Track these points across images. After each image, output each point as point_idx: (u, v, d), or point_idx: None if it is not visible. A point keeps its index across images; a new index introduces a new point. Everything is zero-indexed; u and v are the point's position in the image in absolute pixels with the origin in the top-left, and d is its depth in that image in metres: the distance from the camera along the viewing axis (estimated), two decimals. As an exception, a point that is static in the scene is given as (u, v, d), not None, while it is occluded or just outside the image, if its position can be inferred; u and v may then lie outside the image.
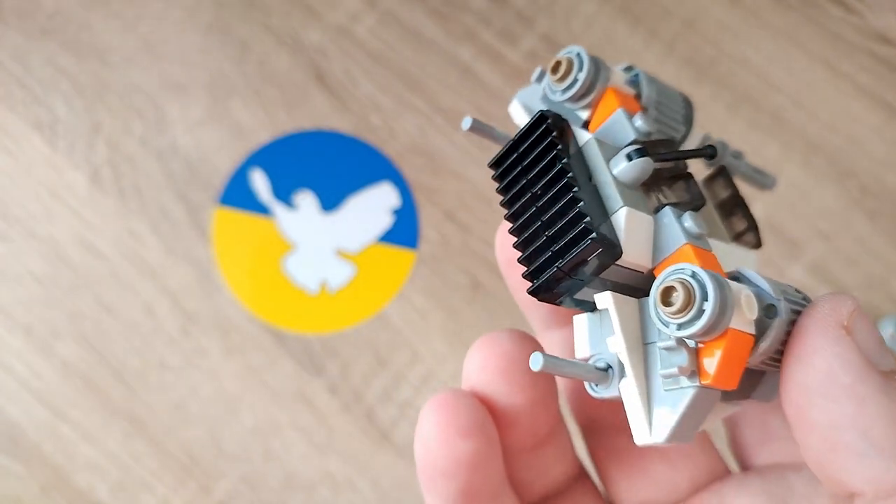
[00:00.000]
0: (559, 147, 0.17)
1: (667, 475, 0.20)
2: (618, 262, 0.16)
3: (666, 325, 0.15)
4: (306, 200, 0.50)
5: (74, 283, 0.48)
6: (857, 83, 0.50)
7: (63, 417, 0.47)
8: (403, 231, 0.49)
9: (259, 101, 0.50)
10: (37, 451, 0.46)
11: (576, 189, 0.16)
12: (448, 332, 0.47)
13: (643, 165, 0.17)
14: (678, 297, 0.15)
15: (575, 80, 0.18)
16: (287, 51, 0.51)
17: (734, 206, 0.21)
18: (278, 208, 0.49)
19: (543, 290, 0.17)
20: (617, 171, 0.17)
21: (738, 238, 0.21)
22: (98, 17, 0.52)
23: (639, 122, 0.17)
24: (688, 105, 0.20)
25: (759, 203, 0.48)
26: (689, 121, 0.20)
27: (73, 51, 0.51)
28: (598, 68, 0.18)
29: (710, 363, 0.15)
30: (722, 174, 0.21)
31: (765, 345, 0.15)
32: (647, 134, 0.18)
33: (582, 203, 0.16)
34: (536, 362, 0.16)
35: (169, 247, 0.48)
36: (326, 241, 0.49)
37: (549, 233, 0.17)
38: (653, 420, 0.16)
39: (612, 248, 0.16)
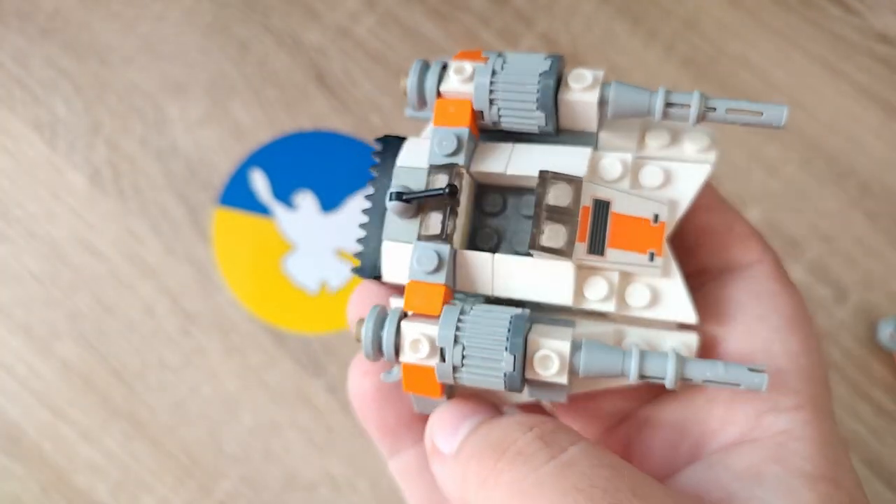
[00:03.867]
0: (375, 173, 0.22)
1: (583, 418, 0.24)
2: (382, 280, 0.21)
3: None
4: (306, 200, 0.50)
5: (74, 283, 0.48)
6: (856, 83, 0.50)
7: (63, 417, 0.47)
8: (403, 231, 0.49)
9: (259, 101, 0.50)
10: (37, 451, 0.46)
11: (367, 218, 0.21)
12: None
13: (397, 208, 0.20)
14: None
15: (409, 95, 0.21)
16: (287, 51, 0.51)
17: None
18: (278, 208, 0.49)
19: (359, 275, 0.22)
20: (388, 204, 0.20)
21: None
22: (98, 17, 0.52)
23: (437, 147, 0.20)
24: (545, 86, 0.20)
25: (759, 203, 0.48)
26: (545, 103, 0.20)
27: (73, 51, 0.51)
28: (423, 75, 0.21)
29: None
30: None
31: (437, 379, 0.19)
32: (451, 154, 0.20)
33: (364, 234, 0.21)
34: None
35: (169, 247, 0.48)
36: (326, 241, 0.49)
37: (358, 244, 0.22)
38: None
39: (371, 272, 0.21)
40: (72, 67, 0.51)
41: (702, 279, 0.22)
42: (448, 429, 0.20)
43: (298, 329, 0.48)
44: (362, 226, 0.22)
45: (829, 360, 0.46)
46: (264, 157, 0.50)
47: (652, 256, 0.20)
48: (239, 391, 0.47)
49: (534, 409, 0.25)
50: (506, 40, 0.51)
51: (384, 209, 0.21)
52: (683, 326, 0.21)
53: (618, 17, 0.51)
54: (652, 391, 0.23)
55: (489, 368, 0.19)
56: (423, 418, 0.23)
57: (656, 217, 0.20)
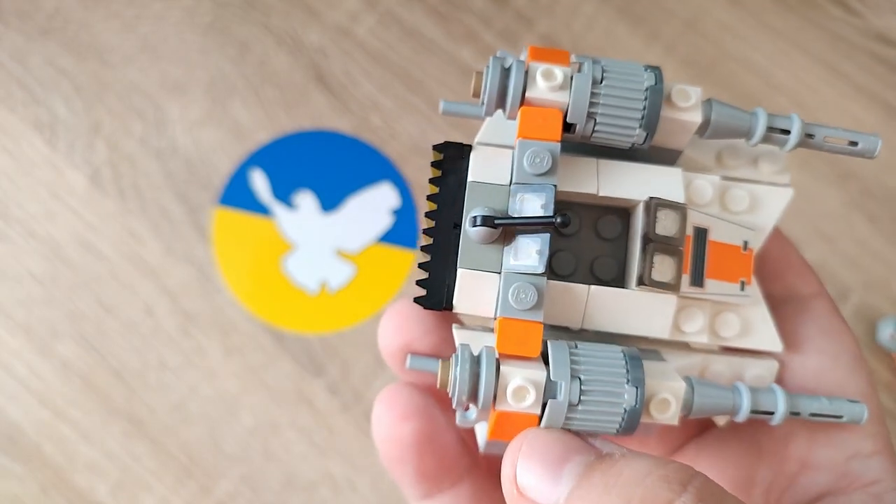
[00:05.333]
0: (438, 189, 0.19)
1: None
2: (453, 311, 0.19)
3: None
4: (306, 200, 0.50)
5: (74, 283, 0.48)
6: (857, 84, 0.49)
7: (63, 417, 0.47)
8: (403, 231, 0.49)
9: (259, 101, 0.50)
10: (37, 451, 0.46)
11: (432, 240, 0.19)
12: (448, 332, 0.47)
13: (482, 234, 0.18)
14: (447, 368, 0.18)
15: (483, 97, 0.19)
16: (287, 51, 0.51)
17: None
18: (278, 208, 0.49)
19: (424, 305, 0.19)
20: (468, 229, 0.18)
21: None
22: (98, 17, 0.51)
23: (527, 163, 0.18)
24: (654, 103, 0.18)
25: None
26: (650, 122, 0.18)
27: (73, 51, 0.51)
28: (504, 79, 0.18)
29: (491, 425, 0.18)
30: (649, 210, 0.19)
31: (544, 423, 0.17)
32: (544, 174, 0.18)
33: (430, 259, 0.19)
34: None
35: (169, 247, 0.48)
36: (326, 241, 0.49)
37: (422, 268, 0.19)
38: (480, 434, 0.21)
39: (440, 303, 0.19)
40: (72, 67, 0.51)
41: None
42: (545, 472, 0.16)
43: (298, 329, 0.48)
44: (425, 248, 0.19)
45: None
46: (264, 157, 0.50)
47: (742, 285, 0.19)
48: (239, 391, 0.47)
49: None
50: (506, 40, 0.51)
51: (451, 230, 0.19)
52: (753, 351, 0.20)
53: (619, 18, 0.51)
54: (699, 421, 0.22)
55: (609, 405, 0.17)
56: (464, 458, 0.21)
57: (746, 244, 0.20)
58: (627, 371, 0.17)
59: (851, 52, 0.50)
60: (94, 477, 0.46)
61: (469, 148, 0.19)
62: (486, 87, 0.18)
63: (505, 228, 0.18)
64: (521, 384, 0.17)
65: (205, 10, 0.51)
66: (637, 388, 0.17)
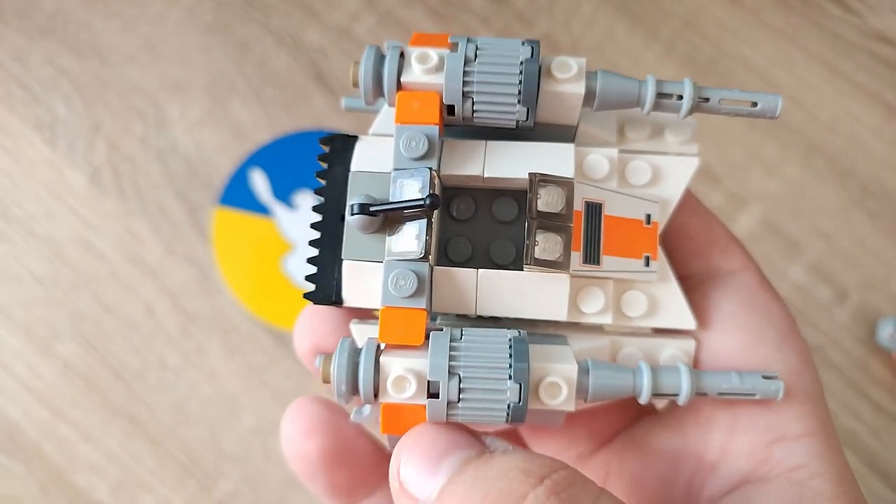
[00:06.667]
0: (322, 180, 0.19)
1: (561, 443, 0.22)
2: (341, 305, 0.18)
3: None
4: (306, 200, 0.50)
5: (74, 283, 0.48)
6: (856, 83, 0.50)
7: (63, 417, 0.47)
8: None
9: (259, 101, 0.50)
10: (37, 451, 0.46)
11: (319, 233, 0.18)
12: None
13: (361, 222, 0.17)
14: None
15: (360, 87, 0.18)
16: (287, 51, 0.51)
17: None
18: (278, 208, 0.49)
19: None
20: (348, 219, 0.18)
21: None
22: (98, 17, 0.52)
23: (403, 147, 0.17)
24: (530, 76, 0.17)
25: (759, 203, 0.48)
26: (529, 96, 0.17)
27: (73, 51, 0.51)
28: (379, 66, 0.18)
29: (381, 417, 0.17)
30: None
31: (427, 419, 0.17)
32: (421, 157, 0.17)
33: (318, 253, 0.18)
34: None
35: (169, 247, 0.48)
36: (326, 241, 0.49)
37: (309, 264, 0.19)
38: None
39: (329, 297, 0.18)
40: (72, 67, 0.51)
41: (683, 285, 0.20)
42: (423, 467, 0.16)
43: (298, 329, 0.48)
44: (313, 243, 0.19)
45: (829, 360, 0.46)
46: (264, 157, 0.50)
47: (647, 261, 0.18)
48: (239, 391, 0.47)
49: (510, 433, 0.22)
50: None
51: (339, 222, 0.18)
52: (670, 331, 0.20)
53: (618, 18, 0.51)
54: (633, 409, 0.21)
55: (491, 402, 0.16)
56: (381, 464, 0.20)
57: (648, 218, 0.19)
58: (511, 362, 0.16)
59: (850, 52, 0.50)
60: (94, 477, 0.46)
61: (355, 139, 0.19)
62: (361, 76, 0.18)
63: (388, 216, 0.17)
64: (401, 374, 0.16)
65: (205, 9, 0.52)
66: (520, 384, 0.16)
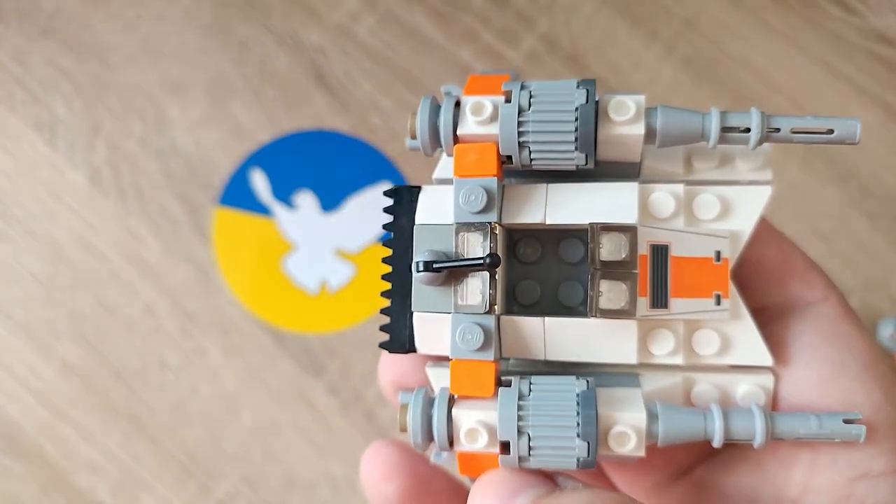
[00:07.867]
0: (390, 231, 0.19)
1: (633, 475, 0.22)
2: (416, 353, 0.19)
3: None
4: (306, 200, 0.50)
5: (74, 283, 0.48)
6: (856, 84, 0.50)
7: (63, 417, 0.47)
8: (403, 231, 0.49)
9: (259, 101, 0.50)
10: (37, 451, 0.46)
11: (390, 285, 0.19)
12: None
13: (427, 277, 0.18)
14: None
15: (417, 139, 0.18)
16: (287, 51, 0.51)
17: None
18: (278, 208, 0.49)
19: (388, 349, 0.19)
20: (415, 275, 0.18)
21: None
22: (98, 17, 0.52)
23: (463, 203, 0.18)
24: (585, 123, 0.17)
25: (758, 204, 0.48)
26: (586, 143, 0.17)
27: (73, 51, 0.51)
28: (435, 118, 0.18)
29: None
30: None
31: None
32: (480, 211, 0.18)
33: (391, 303, 0.19)
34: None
35: (169, 247, 0.48)
36: (326, 241, 0.49)
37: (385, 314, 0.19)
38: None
39: (402, 346, 0.19)
40: (72, 67, 0.51)
41: (760, 318, 0.19)
42: (499, 501, 0.17)
43: (298, 329, 0.48)
44: (385, 294, 0.19)
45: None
46: (264, 157, 0.50)
47: (718, 299, 0.18)
48: (239, 391, 0.47)
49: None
50: (506, 41, 0.51)
51: (407, 274, 0.19)
52: (747, 366, 0.19)
53: (618, 18, 0.51)
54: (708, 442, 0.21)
55: (560, 455, 0.16)
56: (460, 501, 0.20)
57: (718, 254, 0.18)
58: (579, 420, 0.16)
59: (851, 52, 0.50)
60: (94, 477, 0.46)
61: (419, 190, 0.19)
62: (418, 128, 0.18)
63: (452, 271, 0.18)
64: (473, 426, 0.17)
65: (205, 10, 0.51)
66: (588, 441, 0.16)
